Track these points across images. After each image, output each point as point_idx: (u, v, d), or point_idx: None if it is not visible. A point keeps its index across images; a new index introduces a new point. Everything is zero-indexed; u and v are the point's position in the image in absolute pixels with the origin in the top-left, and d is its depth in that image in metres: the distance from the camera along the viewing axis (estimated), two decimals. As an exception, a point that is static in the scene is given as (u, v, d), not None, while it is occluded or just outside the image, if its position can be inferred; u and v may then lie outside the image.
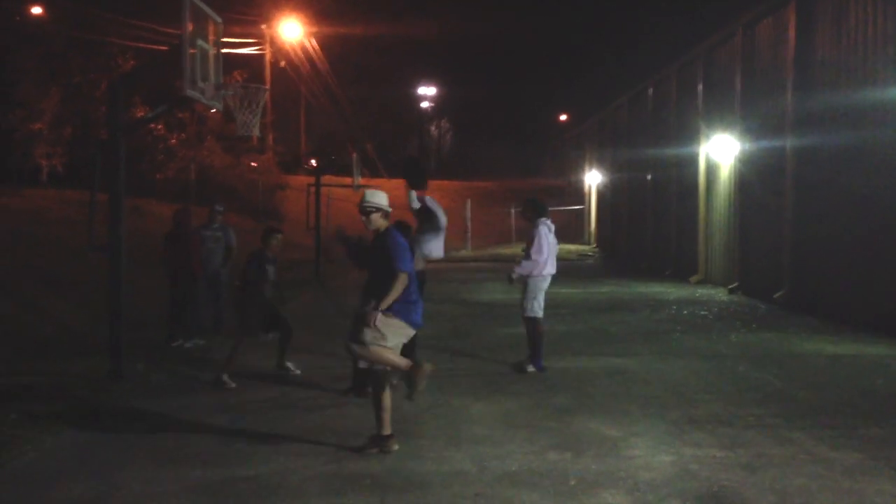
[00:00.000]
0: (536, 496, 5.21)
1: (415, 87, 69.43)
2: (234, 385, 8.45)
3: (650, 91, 25.94)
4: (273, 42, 37.41)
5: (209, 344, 10.99)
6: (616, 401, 7.75)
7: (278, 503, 5.13)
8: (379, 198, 6.39)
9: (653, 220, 25.34)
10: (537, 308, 9.13)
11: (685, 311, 14.51)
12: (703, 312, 14.38)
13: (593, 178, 36.91)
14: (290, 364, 9.18)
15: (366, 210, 6.30)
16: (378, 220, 6.32)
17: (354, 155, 27.44)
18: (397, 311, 6.09)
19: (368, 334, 5.96)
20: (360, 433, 6.60)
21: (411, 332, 6.31)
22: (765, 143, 16.51)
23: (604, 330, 12.43)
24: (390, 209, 6.41)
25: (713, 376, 8.88)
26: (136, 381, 8.68)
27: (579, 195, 40.79)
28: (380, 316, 5.98)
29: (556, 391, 8.18)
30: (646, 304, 15.76)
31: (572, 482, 5.45)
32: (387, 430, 6.15)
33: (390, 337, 6.06)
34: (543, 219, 9.27)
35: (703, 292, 17.90)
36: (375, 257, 6.32)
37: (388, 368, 6.18)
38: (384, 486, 5.39)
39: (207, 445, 6.40)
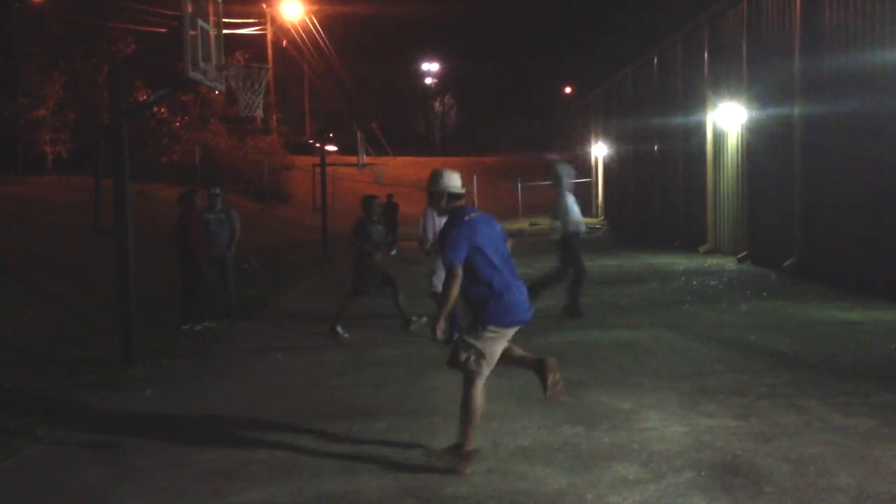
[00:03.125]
0: (550, 471, 5.20)
1: (418, 63, 69.09)
2: (347, 335, 10.01)
3: (655, 60, 25.71)
4: (274, 21, 37.21)
5: (219, 327, 11.02)
6: (627, 373, 7.73)
7: (293, 483, 5.13)
8: (448, 179, 5.49)
9: (660, 190, 25.21)
10: (435, 282, 9.29)
11: (695, 282, 14.46)
12: (712, 282, 14.33)
13: (600, 151, 36.72)
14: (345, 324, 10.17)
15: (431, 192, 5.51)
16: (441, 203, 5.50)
17: (359, 134, 27.38)
18: (490, 316, 5.25)
19: (463, 355, 5.26)
20: (373, 413, 6.62)
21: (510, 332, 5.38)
22: (772, 110, 16.34)
23: (613, 302, 12.40)
24: (463, 190, 5.53)
25: (724, 346, 8.84)
26: (147, 365, 8.71)
27: (586, 168, 40.61)
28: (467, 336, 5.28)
29: (568, 365, 8.13)
30: (655, 275, 15.71)
31: (586, 456, 5.44)
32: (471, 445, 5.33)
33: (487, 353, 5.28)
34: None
35: (712, 262, 17.83)
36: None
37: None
38: (397, 465, 5.39)
39: (221, 428, 6.41)
